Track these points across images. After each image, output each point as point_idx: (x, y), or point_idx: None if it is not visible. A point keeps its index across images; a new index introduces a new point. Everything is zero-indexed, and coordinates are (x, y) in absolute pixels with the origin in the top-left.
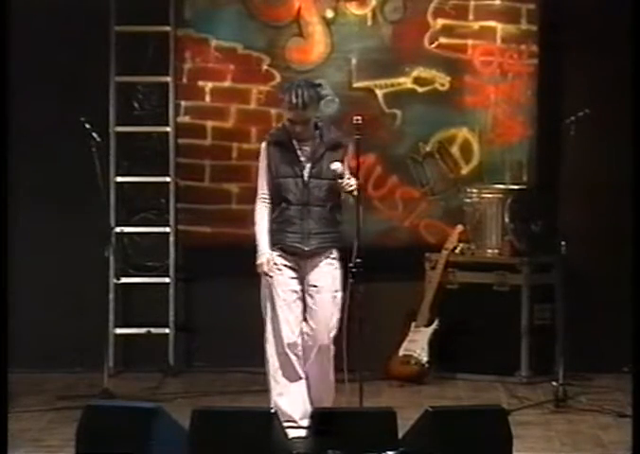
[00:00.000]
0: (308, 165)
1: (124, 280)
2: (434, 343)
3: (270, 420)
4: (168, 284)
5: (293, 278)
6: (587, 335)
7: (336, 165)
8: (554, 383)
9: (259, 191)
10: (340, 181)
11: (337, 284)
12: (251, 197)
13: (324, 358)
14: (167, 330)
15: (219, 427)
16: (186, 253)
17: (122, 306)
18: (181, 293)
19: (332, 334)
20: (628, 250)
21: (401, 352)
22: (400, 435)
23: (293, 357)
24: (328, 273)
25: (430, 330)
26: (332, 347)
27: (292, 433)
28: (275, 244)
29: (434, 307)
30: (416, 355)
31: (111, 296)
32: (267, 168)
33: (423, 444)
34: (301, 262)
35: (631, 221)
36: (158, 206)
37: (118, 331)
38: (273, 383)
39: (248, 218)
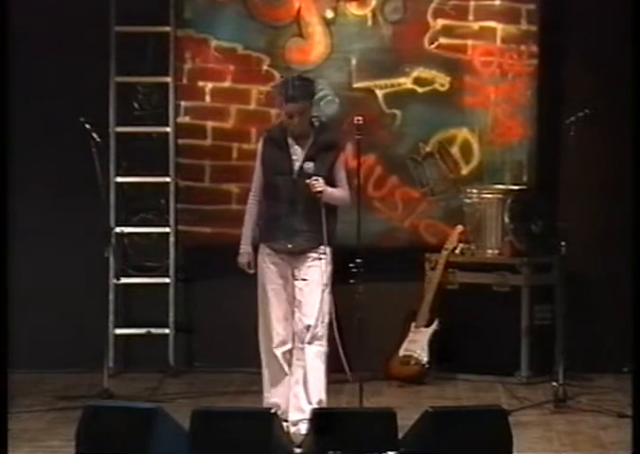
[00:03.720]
0: (298, 164)
1: (124, 280)
2: (434, 344)
3: (270, 420)
4: (168, 284)
5: (282, 276)
6: (587, 335)
7: (308, 165)
8: (554, 383)
9: (252, 187)
10: (307, 181)
11: (326, 278)
12: None
13: (313, 353)
14: (167, 330)
15: (219, 428)
16: (186, 253)
17: (122, 306)
18: (181, 293)
19: (323, 328)
20: (628, 250)
21: (401, 352)
22: (400, 435)
23: (280, 355)
24: (316, 267)
25: (430, 330)
26: (324, 343)
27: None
28: (264, 241)
29: (434, 308)
30: (416, 355)
31: (111, 296)
32: (260, 165)
33: (423, 444)
34: (290, 258)
35: (631, 222)
36: (158, 206)
37: (118, 331)
38: (264, 380)
39: None
